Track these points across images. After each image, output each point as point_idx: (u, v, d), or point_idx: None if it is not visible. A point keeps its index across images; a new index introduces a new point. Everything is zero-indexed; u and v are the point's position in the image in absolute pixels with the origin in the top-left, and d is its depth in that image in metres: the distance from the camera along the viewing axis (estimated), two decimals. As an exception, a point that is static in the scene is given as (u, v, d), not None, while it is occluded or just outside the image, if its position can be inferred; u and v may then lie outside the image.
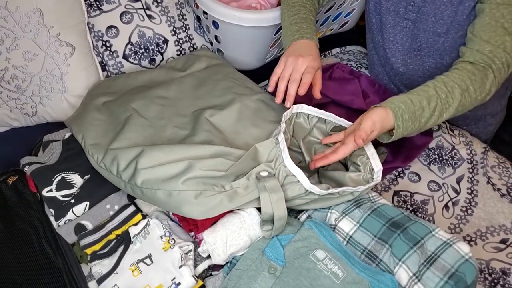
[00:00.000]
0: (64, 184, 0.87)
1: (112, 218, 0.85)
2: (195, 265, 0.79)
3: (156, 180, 0.79)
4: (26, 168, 0.90)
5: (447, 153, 1.07)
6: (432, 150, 1.07)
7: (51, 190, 0.86)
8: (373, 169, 0.85)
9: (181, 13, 1.25)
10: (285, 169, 0.78)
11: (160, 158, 0.81)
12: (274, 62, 1.30)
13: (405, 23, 0.99)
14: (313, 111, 0.92)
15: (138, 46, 1.19)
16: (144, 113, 0.94)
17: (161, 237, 0.80)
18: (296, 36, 0.94)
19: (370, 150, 0.86)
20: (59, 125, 1.06)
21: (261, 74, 1.26)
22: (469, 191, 1.00)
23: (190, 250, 0.80)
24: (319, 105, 1.13)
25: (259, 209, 0.81)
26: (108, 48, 1.17)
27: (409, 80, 1.10)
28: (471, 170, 1.04)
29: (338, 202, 0.81)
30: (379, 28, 1.06)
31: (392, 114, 0.78)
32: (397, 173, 1.03)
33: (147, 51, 1.20)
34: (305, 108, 0.91)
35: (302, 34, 0.94)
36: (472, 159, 1.06)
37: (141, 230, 0.82)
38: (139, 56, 1.19)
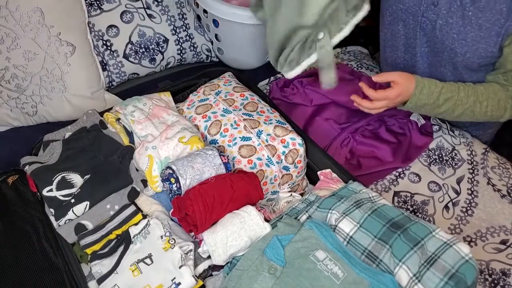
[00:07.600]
0: (65, 184, 0.87)
1: (112, 218, 0.85)
2: (195, 265, 0.79)
3: None
4: (26, 167, 0.90)
5: (447, 153, 1.07)
6: (433, 151, 1.07)
7: (51, 190, 0.85)
8: None
9: (181, 12, 1.25)
10: None
11: None
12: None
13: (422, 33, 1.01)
14: None
15: (138, 46, 1.19)
16: None
17: (162, 237, 0.80)
18: None
19: None
20: (60, 125, 1.06)
21: (261, 73, 1.26)
22: (469, 191, 1.00)
23: (190, 250, 0.80)
24: (320, 106, 1.14)
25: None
26: (109, 48, 1.17)
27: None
28: (471, 171, 1.04)
29: None
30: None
31: (414, 83, 0.90)
32: (397, 174, 1.03)
33: (148, 50, 1.20)
34: None
35: None
36: (472, 160, 1.06)
37: (141, 230, 0.82)
38: (140, 56, 1.19)
